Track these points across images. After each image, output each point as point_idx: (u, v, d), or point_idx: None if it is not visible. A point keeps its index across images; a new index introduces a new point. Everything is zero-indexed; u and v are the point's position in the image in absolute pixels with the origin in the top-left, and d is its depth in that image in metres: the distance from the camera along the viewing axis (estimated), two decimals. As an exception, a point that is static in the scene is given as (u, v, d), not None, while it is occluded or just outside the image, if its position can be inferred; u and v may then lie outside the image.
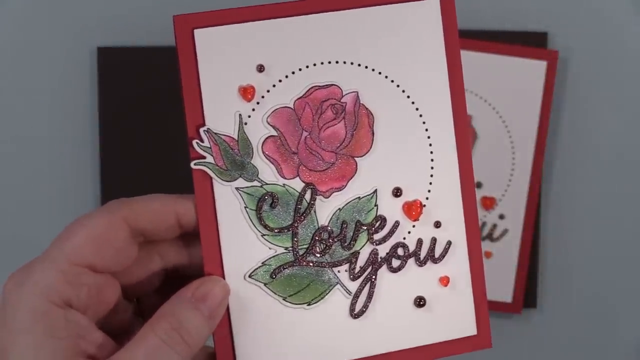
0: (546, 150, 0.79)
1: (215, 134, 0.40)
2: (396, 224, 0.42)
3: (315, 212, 0.41)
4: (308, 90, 0.41)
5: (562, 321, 0.81)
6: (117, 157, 0.78)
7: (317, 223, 0.41)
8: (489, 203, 0.80)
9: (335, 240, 0.41)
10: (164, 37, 0.76)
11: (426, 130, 0.42)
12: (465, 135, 0.42)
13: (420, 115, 0.42)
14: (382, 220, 0.42)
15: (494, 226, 0.80)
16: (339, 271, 0.42)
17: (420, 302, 0.42)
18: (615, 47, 0.80)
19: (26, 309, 0.36)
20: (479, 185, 0.80)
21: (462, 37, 0.78)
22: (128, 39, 0.78)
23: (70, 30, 0.77)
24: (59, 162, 0.78)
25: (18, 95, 0.78)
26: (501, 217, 0.80)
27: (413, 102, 0.42)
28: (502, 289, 0.80)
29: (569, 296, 0.81)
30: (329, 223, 0.41)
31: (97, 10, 0.78)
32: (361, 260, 0.42)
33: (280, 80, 0.41)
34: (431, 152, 0.42)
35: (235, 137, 0.40)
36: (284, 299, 0.41)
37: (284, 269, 0.41)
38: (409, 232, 0.42)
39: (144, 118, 0.77)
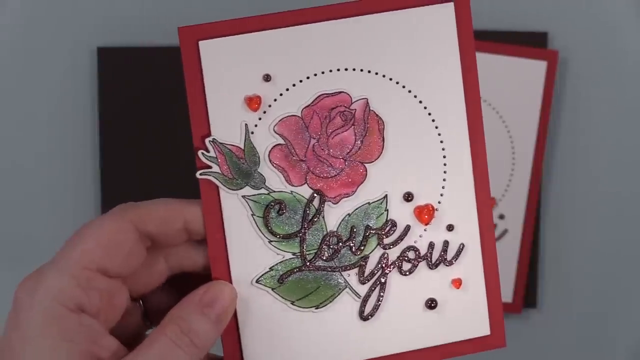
0: (546, 150, 0.79)
1: (221, 143, 0.40)
2: (407, 228, 0.42)
3: (323, 217, 0.41)
4: (316, 99, 0.41)
5: (562, 321, 0.81)
6: (117, 158, 0.77)
7: (326, 228, 0.41)
8: (489, 203, 0.80)
9: (345, 245, 0.41)
10: (164, 37, 0.76)
11: (439, 134, 0.42)
12: (480, 137, 0.42)
13: (433, 120, 0.41)
14: (393, 224, 0.42)
15: (494, 226, 0.80)
16: (348, 275, 0.42)
17: (431, 304, 0.42)
18: (615, 47, 0.80)
19: (40, 314, 0.36)
20: (479, 185, 0.80)
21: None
22: (128, 39, 0.77)
23: (70, 30, 0.77)
24: (59, 162, 0.78)
25: (18, 96, 0.78)
26: (501, 217, 0.80)
27: (425, 107, 0.41)
28: (502, 289, 0.79)
29: (569, 296, 0.81)
30: (337, 228, 0.41)
31: (97, 10, 0.77)
32: (371, 264, 0.42)
33: (287, 89, 0.41)
34: (444, 157, 0.42)
35: (242, 147, 0.40)
36: (291, 303, 0.41)
37: (291, 274, 0.41)
38: (420, 236, 0.42)
39: (144, 118, 0.77)
